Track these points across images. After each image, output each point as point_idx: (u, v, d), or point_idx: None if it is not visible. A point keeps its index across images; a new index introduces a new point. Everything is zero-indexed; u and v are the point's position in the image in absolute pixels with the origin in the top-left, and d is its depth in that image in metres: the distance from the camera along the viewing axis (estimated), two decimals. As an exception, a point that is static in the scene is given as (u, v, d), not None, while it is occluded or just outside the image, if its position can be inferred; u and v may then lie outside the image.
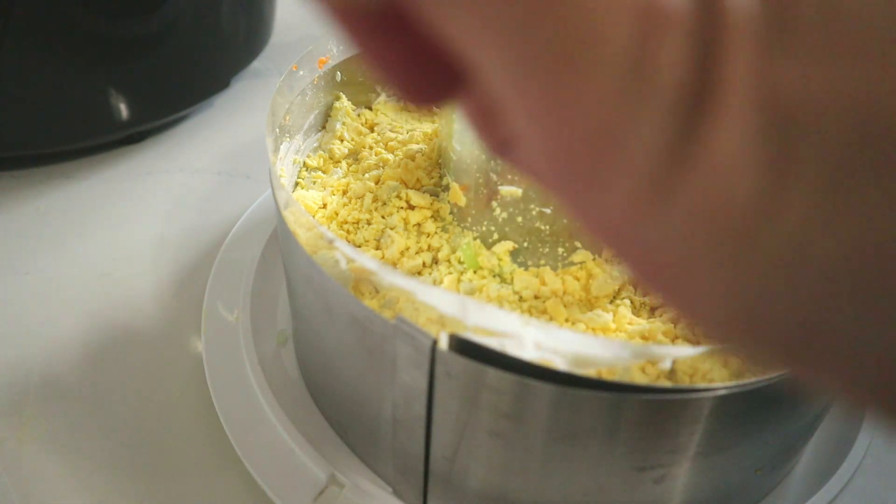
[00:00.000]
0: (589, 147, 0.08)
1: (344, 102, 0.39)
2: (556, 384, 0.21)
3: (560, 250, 0.30)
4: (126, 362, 0.35)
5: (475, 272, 0.30)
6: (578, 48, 0.08)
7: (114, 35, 0.44)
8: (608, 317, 0.28)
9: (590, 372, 0.22)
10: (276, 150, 0.32)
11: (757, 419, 0.24)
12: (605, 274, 0.29)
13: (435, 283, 0.30)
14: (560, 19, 0.08)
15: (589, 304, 0.29)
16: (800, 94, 0.08)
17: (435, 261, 0.31)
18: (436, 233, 0.32)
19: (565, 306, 0.28)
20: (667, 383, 0.24)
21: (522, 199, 0.30)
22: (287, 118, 0.34)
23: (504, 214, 0.30)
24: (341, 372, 0.28)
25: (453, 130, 0.31)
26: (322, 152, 0.37)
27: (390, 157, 0.35)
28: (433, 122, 0.40)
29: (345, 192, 0.34)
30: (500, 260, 0.30)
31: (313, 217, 0.33)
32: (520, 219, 0.30)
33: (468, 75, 0.10)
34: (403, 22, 0.10)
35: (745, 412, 0.23)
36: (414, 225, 0.32)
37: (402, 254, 0.31)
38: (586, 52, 0.08)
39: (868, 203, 0.08)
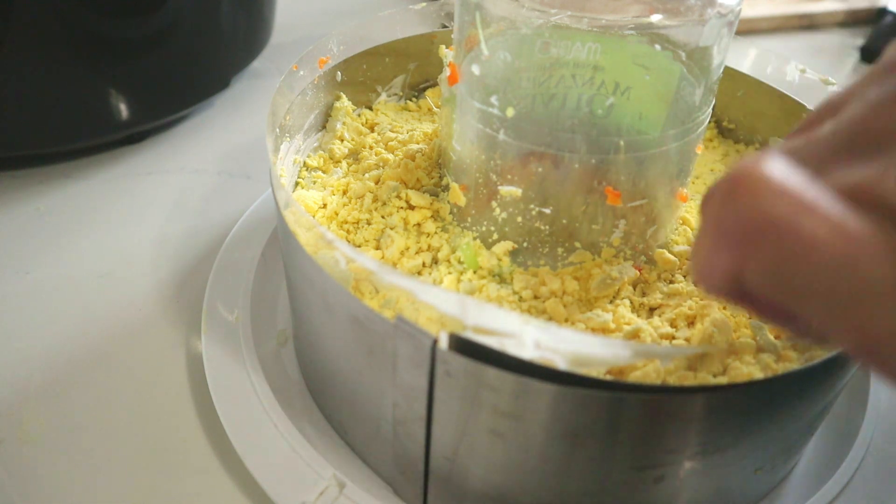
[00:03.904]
0: (885, 345, 0.14)
1: (344, 102, 0.39)
2: (556, 384, 0.21)
3: (560, 250, 0.30)
4: (126, 362, 0.35)
5: (475, 272, 0.30)
6: (869, 308, 0.14)
7: (114, 35, 0.44)
8: (608, 317, 0.28)
9: (593, 372, 0.22)
10: (277, 149, 0.32)
11: (757, 419, 0.24)
12: (605, 274, 0.29)
13: (435, 283, 0.30)
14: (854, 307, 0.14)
15: (588, 304, 0.29)
16: None
17: (435, 261, 0.31)
18: (436, 233, 0.32)
19: (565, 306, 0.28)
20: (669, 382, 0.24)
21: (522, 199, 0.30)
22: (287, 118, 0.34)
23: (504, 214, 0.30)
24: (341, 372, 0.28)
25: (453, 130, 0.31)
26: (322, 152, 0.37)
27: (390, 157, 0.35)
28: (433, 122, 0.40)
29: (345, 192, 0.34)
30: (499, 260, 0.30)
31: (313, 217, 0.33)
32: (520, 219, 0.30)
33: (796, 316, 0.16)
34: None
35: (745, 412, 0.23)
36: (414, 225, 0.32)
37: (402, 254, 0.31)
38: (875, 307, 0.14)
39: None
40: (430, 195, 0.33)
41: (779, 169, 0.15)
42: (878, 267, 0.14)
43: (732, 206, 0.15)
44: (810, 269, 0.14)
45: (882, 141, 0.16)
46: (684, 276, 0.31)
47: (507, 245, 0.30)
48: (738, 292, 0.16)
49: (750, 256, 0.15)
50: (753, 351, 0.25)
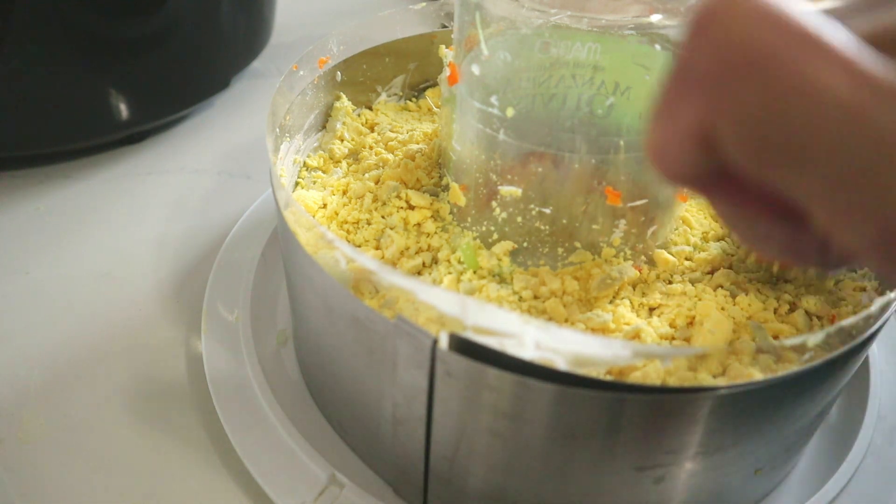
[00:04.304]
0: None
1: (344, 102, 0.39)
2: (556, 384, 0.21)
3: (560, 250, 0.30)
4: (126, 362, 0.35)
5: (475, 272, 0.30)
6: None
7: (114, 35, 0.44)
8: (607, 317, 0.28)
9: (593, 372, 0.22)
10: (277, 149, 0.32)
11: (757, 419, 0.24)
12: (605, 274, 0.29)
13: (434, 283, 0.30)
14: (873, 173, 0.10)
15: (588, 304, 0.29)
16: None
17: (435, 261, 0.31)
18: (436, 233, 0.32)
19: (564, 306, 0.28)
20: (669, 383, 0.24)
21: (522, 199, 0.30)
22: (287, 118, 0.34)
23: (504, 214, 0.30)
24: (341, 372, 0.28)
25: (453, 130, 0.31)
26: (322, 152, 0.37)
27: (390, 157, 0.35)
28: (433, 122, 0.40)
29: (345, 192, 0.34)
30: (499, 260, 0.30)
31: (313, 217, 0.33)
32: (519, 219, 0.30)
33: (795, 213, 0.12)
34: (733, 182, 0.12)
35: (745, 412, 0.23)
36: (414, 225, 0.32)
37: (402, 254, 0.31)
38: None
39: None
40: (430, 195, 0.33)
41: None
42: None
43: (703, 38, 0.11)
44: (810, 122, 0.10)
45: None
46: (682, 275, 0.31)
47: (507, 245, 0.30)
48: (706, 166, 0.12)
49: (725, 102, 0.11)
50: (753, 352, 0.25)
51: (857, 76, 0.10)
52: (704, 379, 0.24)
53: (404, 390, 0.24)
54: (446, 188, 0.33)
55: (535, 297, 0.29)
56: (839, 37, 0.10)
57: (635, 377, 0.24)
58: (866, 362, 0.34)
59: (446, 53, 0.40)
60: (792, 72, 0.10)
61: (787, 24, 0.10)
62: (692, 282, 0.30)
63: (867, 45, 0.10)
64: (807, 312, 0.29)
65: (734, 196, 0.12)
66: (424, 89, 0.43)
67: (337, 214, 0.33)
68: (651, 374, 0.23)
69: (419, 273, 0.30)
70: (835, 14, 0.12)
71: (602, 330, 0.27)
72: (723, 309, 0.29)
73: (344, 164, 0.36)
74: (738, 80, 0.11)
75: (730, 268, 0.31)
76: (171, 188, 0.47)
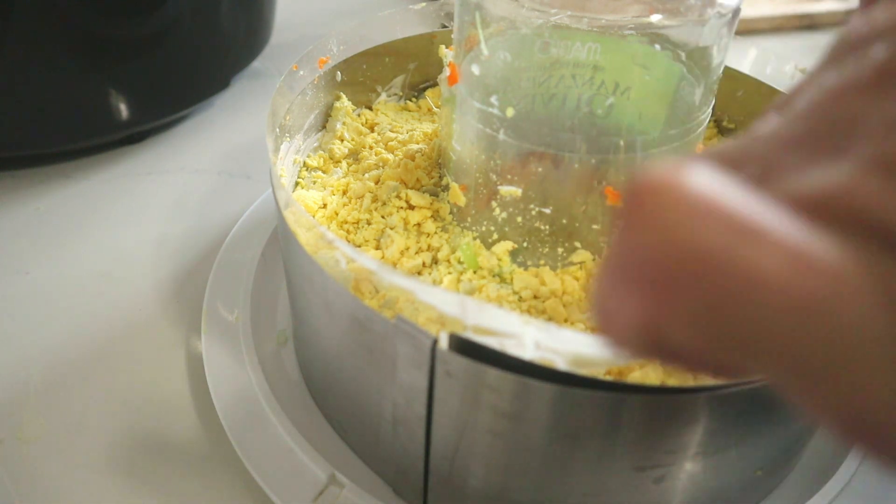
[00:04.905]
0: (883, 420, 0.10)
1: (344, 102, 0.39)
2: (556, 384, 0.21)
3: (560, 250, 0.30)
4: (126, 362, 0.35)
5: (475, 272, 0.30)
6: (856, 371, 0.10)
7: (114, 35, 0.44)
8: (608, 317, 0.28)
9: (594, 372, 0.22)
10: (277, 149, 0.32)
11: (757, 419, 0.24)
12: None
13: (434, 283, 0.30)
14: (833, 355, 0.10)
15: (588, 304, 0.29)
16: None
17: (435, 261, 0.31)
18: (435, 233, 0.32)
19: (565, 306, 0.28)
20: (668, 383, 0.24)
21: (522, 199, 0.30)
22: (287, 118, 0.34)
23: (504, 214, 0.30)
24: (341, 372, 0.28)
25: (453, 130, 0.31)
26: (322, 152, 0.37)
27: (390, 157, 0.35)
28: (433, 122, 0.40)
29: (345, 192, 0.34)
30: (499, 260, 0.30)
31: (313, 217, 0.33)
32: (520, 219, 0.30)
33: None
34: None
35: (745, 412, 0.23)
36: (414, 225, 0.32)
37: (401, 254, 0.31)
38: (865, 372, 0.10)
39: None
40: (430, 195, 0.33)
41: (702, 178, 0.11)
42: (865, 310, 0.10)
43: (637, 233, 0.11)
44: (760, 318, 0.10)
45: (849, 132, 0.11)
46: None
47: (507, 245, 0.30)
48: (657, 348, 0.12)
49: (667, 304, 0.11)
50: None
51: (807, 266, 0.10)
52: (704, 379, 0.24)
53: (404, 390, 0.24)
54: (446, 188, 0.33)
55: (535, 297, 0.29)
56: (783, 223, 0.10)
57: (635, 377, 0.24)
58: (866, 362, 0.34)
59: (446, 53, 0.40)
60: (736, 270, 0.10)
61: (724, 215, 0.10)
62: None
63: (811, 218, 0.10)
64: None
65: (690, 364, 0.12)
66: (424, 89, 0.43)
67: (337, 214, 0.33)
68: (651, 374, 0.24)
69: (419, 273, 0.30)
70: (768, 168, 0.12)
71: (602, 330, 0.27)
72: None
73: (344, 164, 0.36)
74: (677, 281, 0.10)
75: None
76: (171, 188, 0.47)
